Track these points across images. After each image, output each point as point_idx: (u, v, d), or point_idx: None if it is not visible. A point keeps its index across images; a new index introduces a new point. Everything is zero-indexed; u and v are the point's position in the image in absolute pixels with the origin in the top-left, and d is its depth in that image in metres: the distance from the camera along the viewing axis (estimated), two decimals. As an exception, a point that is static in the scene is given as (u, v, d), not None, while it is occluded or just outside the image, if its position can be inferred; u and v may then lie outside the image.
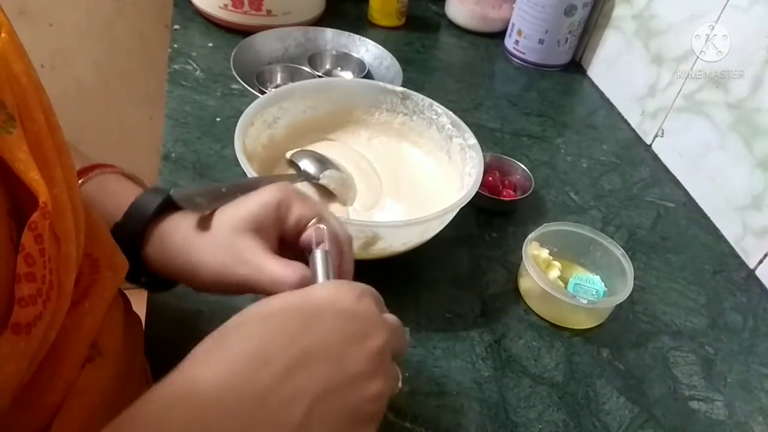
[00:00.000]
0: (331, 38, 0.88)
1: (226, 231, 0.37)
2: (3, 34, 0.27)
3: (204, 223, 0.39)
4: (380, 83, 0.67)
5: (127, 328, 0.39)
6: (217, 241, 0.37)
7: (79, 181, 0.42)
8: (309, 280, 0.35)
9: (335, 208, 0.58)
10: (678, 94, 0.79)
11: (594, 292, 0.59)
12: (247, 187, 0.47)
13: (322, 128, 0.66)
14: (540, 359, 0.54)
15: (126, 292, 0.42)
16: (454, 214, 0.55)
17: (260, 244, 0.37)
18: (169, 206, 0.41)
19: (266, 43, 0.84)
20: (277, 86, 0.80)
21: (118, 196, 0.41)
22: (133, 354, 0.40)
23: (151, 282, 0.43)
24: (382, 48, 0.86)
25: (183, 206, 0.39)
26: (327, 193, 0.59)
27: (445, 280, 0.59)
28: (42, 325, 0.27)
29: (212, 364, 0.27)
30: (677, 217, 0.74)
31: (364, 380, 0.30)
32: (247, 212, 0.37)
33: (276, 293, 0.33)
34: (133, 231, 0.39)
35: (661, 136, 0.83)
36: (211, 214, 0.39)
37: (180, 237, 0.39)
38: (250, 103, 0.58)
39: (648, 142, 0.86)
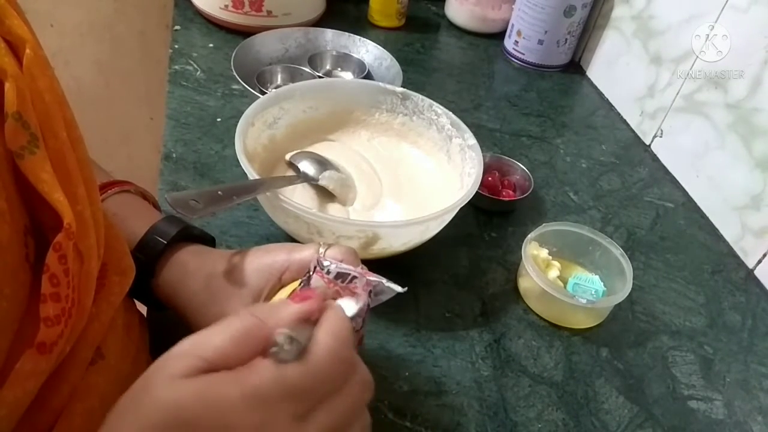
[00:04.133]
0: (332, 39, 0.88)
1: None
2: (28, 50, 0.27)
3: (223, 292, 0.40)
4: (380, 84, 0.67)
5: (129, 329, 0.39)
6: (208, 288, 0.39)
7: None
8: None
9: (335, 209, 0.59)
10: (677, 94, 0.79)
11: (593, 292, 0.59)
12: (244, 189, 0.47)
13: (323, 129, 0.66)
14: (539, 359, 0.54)
15: None
16: (453, 214, 0.55)
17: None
18: (182, 237, 0.43)
19: (267, 44, 0.84)
20: (277, 87, 0.80)
21: (130, 223, 0.43)
22: (137, 355, 0.40)
23: (150, 302, 0.44)
24: (382, 48, 0.87)
25: (178, 210, 0.40)
26: (327, 194, 0.59)
27: (444, 279, 0.60)
28: (62, 343, 0.27)
29: None
30: (676, 217, 0.74)
31: None
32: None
33: None
34: (145, 262, 0.42)
35: (660, 137, 0.84)
36: (236, 282, 0.40)
37: (193, 290, 0.41)
38: (250, 104, 0.58)
39: (647, 143, 0.86)
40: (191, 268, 0.42)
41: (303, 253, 0.40)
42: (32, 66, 0.27)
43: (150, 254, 0.42)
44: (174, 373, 0.24)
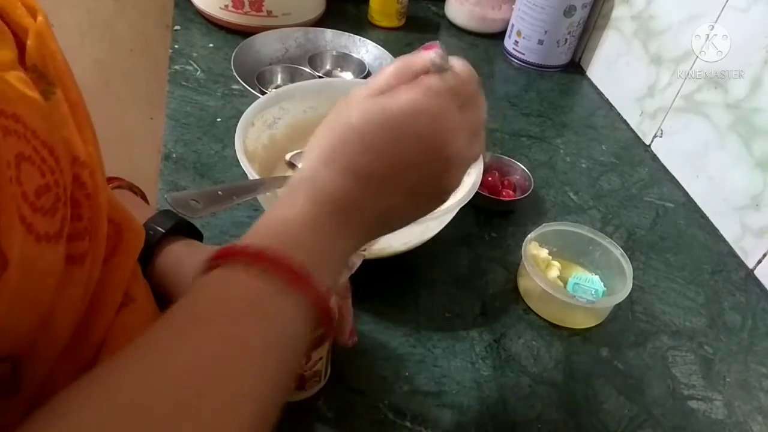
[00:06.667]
0: (332, 39, 0.88)
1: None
2: (40, 17, 0.31)
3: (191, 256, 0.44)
4: (380, 84, 0.67)
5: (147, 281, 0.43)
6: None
7: None
8: None
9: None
10: (677, 94, 0.79)
11: (593, 292, 0.59)
12: (244, 189, 0.48)
13: (323, 129, 0.66)
14: (539, 359, 0.54)
15: None
16: (453, 214, 0.55)
17: None
18: (176, 231, 0.47)
19: (267, 44, 0.84)
20: (277, 87, 0.80)
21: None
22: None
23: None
24: (382, 49, 0.87)
25: (178, 210, 0.40)
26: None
27: (444, 279, 0.60)
28: (89, 261, 0.31)
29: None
30: (676, 217, 0.74)
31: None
32: None
33: None
34: (144, 249, 0.43)
35: (660, 137, 0.84)
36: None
37: (185, 275, 0.44)
38: (250, 104, 0.58)
39: (647, 143, 0.86)
40: (184, 257, 0.45)
41: None
42: (45, 30, 0.31)
43: (148, 242, 0.44)
44: (362, 94, 0.33)
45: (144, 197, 0.53)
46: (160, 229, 0.46)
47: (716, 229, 0.73)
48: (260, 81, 0.77)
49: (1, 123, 0.24)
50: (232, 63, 0.77)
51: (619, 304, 0.57)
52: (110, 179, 0.49)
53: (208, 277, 0.28)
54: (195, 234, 0.50)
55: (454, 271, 0.61)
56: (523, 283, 0.59)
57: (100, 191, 0.32)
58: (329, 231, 0.30)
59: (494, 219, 0.68)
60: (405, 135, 0.31)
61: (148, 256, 0.45)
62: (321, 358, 0.45)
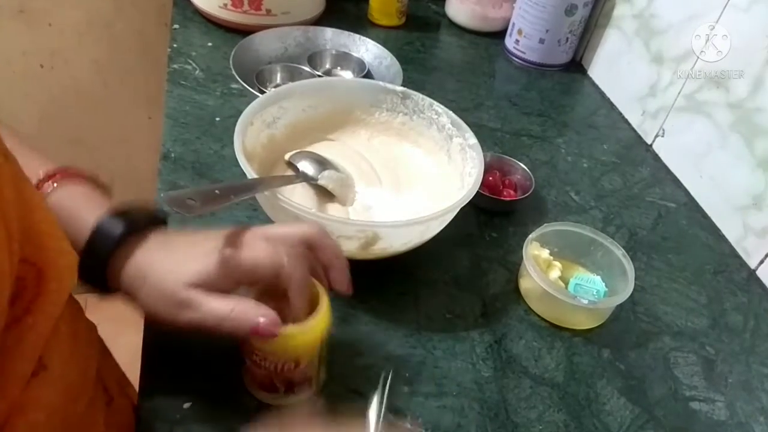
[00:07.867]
0: (331, 38, 0.88)
1: (174, 283, 0.38)
2: None
3: (154, 270, 0.39)
4: (380, 83, 0.67)
5: (76, 337, 0.38)
6: (163, 293, 0.38)
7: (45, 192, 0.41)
8: (242, 309, 0.37)
9: (335, 209, 0.58)
10: (679, 93, 0.79)
11: (595, 293, 0.59)
12: (241, 188, 0.47)
13: (322, 128, 0.66)
14: (540, 360, 0.54)
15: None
16: (454, 214, 0.55)
17: (203, 291, 0.38)
18: (132, 230, 0.41)
19: (266, 43, 0.84)
20: (276, 86, 0.80)
21: (79, 219, 0.40)
22: (86, 363, 0.39)
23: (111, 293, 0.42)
24: (382, 47, 0.86)
25: (175, 209, 0.39)
26: (327, 194, 0.58)
27: (445, 280, 0.59)
28: None
29: None
30: (678, 217, 0.74)
31: None
32: (195, 271, 0.38)
33: (221, 328, 0.37)
34: (97, 261, 0.39)
35: (662, 136, 0.83)
36: (165, 256, 0.40)
37: (131, 278, 0.40)
38: (249, 103, 0.58)
39: (649, 142, 0.86)
40: (144, 268, 0.40)
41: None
42: None
43: (98, 254, 0.39)
44: None
45: (107, 188, 0.46)
46: (103, 246, 0.39)
47: (718, 229, 0.73)
48: (259, 80, 0.77)
49: None
50: (231, 62, 0.77)
51: (621, 304, 0.57)
52: (60, 171, 0.43)
53: None
54: (157, 219, 0.44)
55: (454, 272, 0.60)
56: (524, 284, 0.59)
57: (4, 261, 0.27)
58: None
59: (495, 219, 0.67)
60: None
61: (103, 269, 0.39)
62: (311, 362, 0.44)
